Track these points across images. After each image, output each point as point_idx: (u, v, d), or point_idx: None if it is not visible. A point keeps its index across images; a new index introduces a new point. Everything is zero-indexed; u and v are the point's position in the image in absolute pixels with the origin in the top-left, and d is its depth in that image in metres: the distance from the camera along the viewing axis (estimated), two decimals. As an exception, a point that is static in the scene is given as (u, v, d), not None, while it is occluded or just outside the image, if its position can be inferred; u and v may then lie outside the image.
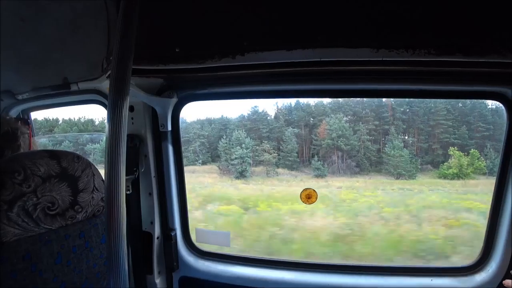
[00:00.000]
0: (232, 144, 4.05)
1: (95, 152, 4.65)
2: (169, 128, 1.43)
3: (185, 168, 1.55)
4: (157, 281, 1.46)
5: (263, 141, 4.27)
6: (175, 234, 1.50)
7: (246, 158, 3.83)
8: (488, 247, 1.38)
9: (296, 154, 4.51)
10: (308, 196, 1.60)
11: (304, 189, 1.60)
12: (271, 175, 3.89)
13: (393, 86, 1.24)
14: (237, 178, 3.80)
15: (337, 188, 3.66)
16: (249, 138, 4.06)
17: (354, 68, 1.06)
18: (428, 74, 1.07)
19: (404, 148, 3.87)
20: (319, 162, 3.83)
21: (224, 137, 4.21)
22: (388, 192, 3.55)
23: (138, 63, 0.99)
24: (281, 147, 4.47)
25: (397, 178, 3.71)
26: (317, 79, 1.17)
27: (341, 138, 4.22)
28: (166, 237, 1.48)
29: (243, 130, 4.21)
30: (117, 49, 0.71)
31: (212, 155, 5.99)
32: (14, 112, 1.83)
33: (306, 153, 4.74)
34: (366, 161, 4.23)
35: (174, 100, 1.36)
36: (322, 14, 0.89)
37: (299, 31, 0.91)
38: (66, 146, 4.69)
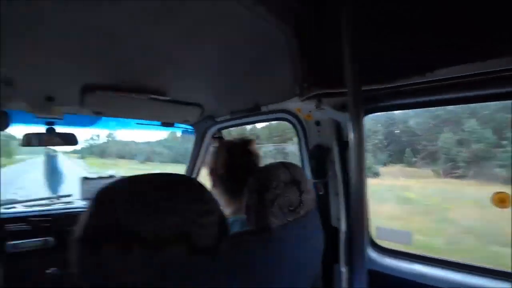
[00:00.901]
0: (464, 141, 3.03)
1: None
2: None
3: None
4: (342, 269, 1.68)
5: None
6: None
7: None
8: None
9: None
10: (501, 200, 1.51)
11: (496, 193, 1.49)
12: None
13: None
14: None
15: None
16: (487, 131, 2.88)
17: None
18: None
19: None
20: None
21: (446, 131, 3.23)
22: None
23: (330, 87, 1.19)
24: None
25: None
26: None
27: None
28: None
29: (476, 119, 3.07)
30: (350, 77, 0.90)
31: (390, 155, 5.03)
32: (212, 131, 2.31)
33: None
34: None
35: None
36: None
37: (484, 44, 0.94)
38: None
